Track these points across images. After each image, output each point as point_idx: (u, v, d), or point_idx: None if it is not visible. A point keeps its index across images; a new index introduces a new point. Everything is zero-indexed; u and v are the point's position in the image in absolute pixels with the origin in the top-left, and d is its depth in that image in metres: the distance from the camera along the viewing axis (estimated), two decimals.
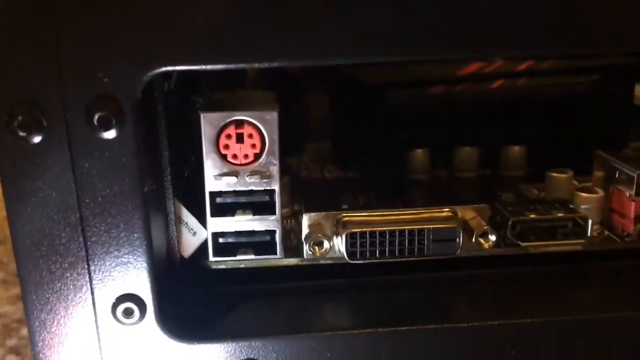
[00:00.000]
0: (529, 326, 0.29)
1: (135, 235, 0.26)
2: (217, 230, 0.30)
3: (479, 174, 0.41)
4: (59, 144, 0.24)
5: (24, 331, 0.42)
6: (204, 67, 0.24)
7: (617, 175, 0.33)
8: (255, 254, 0.31)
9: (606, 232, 0.33)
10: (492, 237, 0.30)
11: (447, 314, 0.30)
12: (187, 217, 0.30)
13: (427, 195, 0.39)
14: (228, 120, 0.28)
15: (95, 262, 0.26)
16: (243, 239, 0.31)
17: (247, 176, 0.29)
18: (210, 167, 0.29)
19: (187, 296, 0.30)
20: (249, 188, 0.29)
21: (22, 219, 0.25)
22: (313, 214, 0.31)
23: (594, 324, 0.29)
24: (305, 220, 0.31)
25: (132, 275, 0.26)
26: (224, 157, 0.29)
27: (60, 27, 0.23)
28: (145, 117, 0.26)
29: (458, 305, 0.31)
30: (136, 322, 0.27)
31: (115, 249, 0.26)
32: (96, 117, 0.24)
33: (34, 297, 0.26)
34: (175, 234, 0.30)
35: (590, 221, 0.31)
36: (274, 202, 0.30)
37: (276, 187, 0.30)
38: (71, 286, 0.26)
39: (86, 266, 0.26)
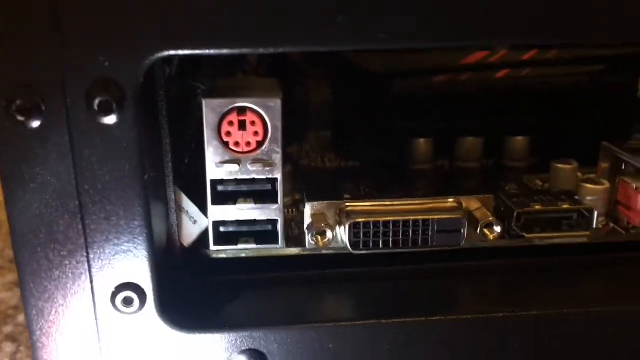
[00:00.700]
0: (533, 318, 0.28)
1: (136, 223, 0.25)
2: (218, 218, 0.29)
3: (482, 164, 0.41)
4: (58, 129, 0.23)
5: (21, 318, 0.42)
6: (207, 51, 0.23)
7: (623, 167, 0.32)
8: (257, 244, 0.30)
9: (611, 225, 0.33)
10: (497, 229, 0.30)
11: (451, 305, 0.30)
12: (188, 205, 0.30)
13: (430, 185, 0.38)
14: (230, 107, 0.28)
15: (95, 250, 0.25)
16: (244, 228, 0.30)
17: (249, 164, 0.29)
18: (212, 154, 0.28)
19: (187, 285, 0.30)
20: (251, 176, 0.29)
21: (20, 205, 0.24)
22: (316, 203, 0.30)
23: (598, 317, 0.29)
24: (308, 209, 0.30)
25: (132, 263, 0.26)
26: (225, 144, 0.28)
27: (59, 9, 0.22)
28: (146, 102, 0.25)
29: (462, 297, 0.31)
30: (136, 312, 0.26)
31: (115, 237, 0.25)
32: (97, 101, 0.23)
33: (32, 285, 0.26)
34: (176, 222, 0.29)
35: (596, 213, 0.31)
36: (276, 191, 0.29)
37: (279, 175, 0.29)
38: (70, 274, 0.25)
39: (85, 254, 0.25)
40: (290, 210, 0.34)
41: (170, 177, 0.29)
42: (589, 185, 0.33)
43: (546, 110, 0.41)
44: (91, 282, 0.26)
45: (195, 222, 0.30)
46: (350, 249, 0.29)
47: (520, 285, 0.31)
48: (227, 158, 0.29)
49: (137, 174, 0.24)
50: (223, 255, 0.31)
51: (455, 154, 0.40)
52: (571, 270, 0.32)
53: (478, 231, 0.30)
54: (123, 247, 0.25)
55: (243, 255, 0.31)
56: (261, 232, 0.30)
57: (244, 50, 0.24)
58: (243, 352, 0.27)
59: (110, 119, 0.24)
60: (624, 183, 0.32)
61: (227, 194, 0.29)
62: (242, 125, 0.28)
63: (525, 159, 0.40)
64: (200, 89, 0.31)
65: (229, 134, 0.28)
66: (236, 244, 0.30)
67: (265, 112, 0.28)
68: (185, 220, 0.30)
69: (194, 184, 0.30)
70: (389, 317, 0.28)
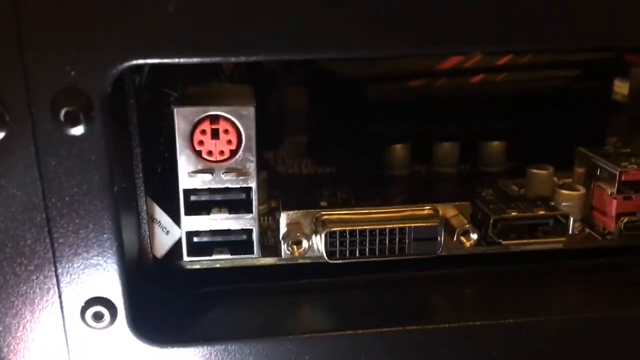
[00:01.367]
0: (511, 326, 0.28)
1: (105, 235, 0.24)
2: (192, 229, 0.29)
3: (459, 169, 0.41)
4: (23, 141, 0.23)
5: None
6: (177, 60, 0.23)
7: (598, 173, 0.32)
8: (232, 254, 0.30)
9: (587, 230, 0.33)
10: (474, 236, 0.29)
11: (428, 314, 0.29)
12: (160, 215, 0.29)
13: (406, 191, 0.38)
14: (203, 115, 0.27)
15: (63, 265, 0.25)
16: (218, 238, 0.30)
17: (223, 173, 0.28)
18: (184, 164, 0.28)
19: (160, 298, 0.29)
20: (225, 186, 0.28)
21: None
22: (291, 212, 0.30)
23: (575, 323, 0.29)
24: (284, 218, 0.30)
25: (102, 277, 0.25)
26: (198, 153, 0.28)
27: (22, 16, 0.22)
28: (115, 112, 0.24)
29: (439, 305, 0.30)
30: (106, 326, 0.26)
31: (84, 251, 0.25)
32: (63, 112, 0.22)
33: None
34: (148, 233, 0.29)
35: (571, 219, 0.31)
36: (251, 200, 0.29)
37: (253, 184, 0.29)
38: (37, 289, 0.25)
39: (53, 269, 0.25)
40: (265, 218, 0.34)
41: (141, 188, 0.28)
42: (564, 191, 0.33)
43: (521, 115, 0.41)
44: (60, 296, 0.25)
45: (168, 233, 0.29)
46: (327, 259, 0.29)
47: (497, 292, 0.31)
48: (200, 167, 0.28)
49: (106, 185, 0.24)
50: (197, 266, 0.30)
51: (432, 159, 0.40)
52: (547, 276, 0.32)
53: (455, 239, 0.30)
54: (92, 261, 0.25)
55: (217, 265, 0.30)
56: (236, 242, 0.30)
57: (214, 59, 0.23)
58: None
59: (77, 130, 0.23)
60: (599, 188, 0.32)
61: (200, 204, 0.29)
62: (214, 134, 0.28)
63: (501, 163, 0.40)
64: (172, 97, 0.30)
65: (201, 142, 0.28)
66: (210, 255, 0.29)
67: (238, 120, 0.28)
68: (158, 230, 0.29)
69: (166, 194, 0.30)
70: (366, 327, 0.28)
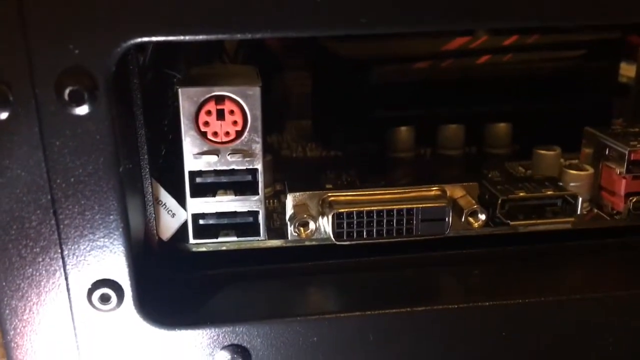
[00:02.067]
0: (519, 306, 0.28)
1: (111, 217, 0.24)
2: (197, 211, 0.29)
3: (464, 151, 0.40)
4: (27, 121, 0.22)
5: None
6: (182, 37, 0.23)
7: (607, 152, 0.32)
8: (238, 236, 0.29)
9: (595, 210, 0.33)
10: (482, 216, 0.29)
11: (436, 295, 0.29)
12: (166, 197, 0.29)
13: (412, 174, 0.38)
14: (208, 95, 0.27)
15: (69, 246, 0.24)
16: (224, 221, 0.29)
17: (229, 155, 0.28)
18: (190, 145, 0.28)
19: (166, 280, 0.29)
20: (231, 167, 0.28)
21: None
22: (297, 193, 0.30)
23: (583, 303, 0.29)
24: (290, 200, 0.30)
25: (109, 259, 0.25)
26: (203, 134, 0.28)
27: None
28: (119, 92, 0.24)
29: (447, 286, 0.30)
30: (113, 309, 0.25)
31: (90, 232, 0.24)
32: (67, 91, 0.22)
33: (4, 283, 0.25)
34: (153, 215, 0.28)
35: (580, 199, 0.30)
36: (257, 182, 0.29)
37: (259, 166, 0.28)
38: (44, 272, 0.25)
39: (59, 250, 0.24)
40: (271, 201, 0.33)
41: (146, 169, 0.28)
42: (572, 171, 0.32)
43: (526, 96, 0.41)
44: (66, 279, 0.25)
45: (173, 215, 0.29)
46: (334, 240, 0.29)
47: (505, 273, 0.31)
48: (205, 149, 0.28)
49: (111, 166, 0.23)
50: (203, 249, 0.30)
51: (437, 141, 0.40)
52: (556, 256, 0.32)
53: (463, 219, 0.29)
54: (98, 243, 0.24)
55: (223, 248, 0.30)
56: (242, 225, 0.29)
57: (220, 37, 0.23)
58: (226, 347, 0.27)
59: (82, 110, 0.23)
60: (608, 168, 0.32)
61: (206, 186, 0.29)
62: (220, 115, 0.27)
63: (507, 145, 0.40)
64: (176, 78, 0.30)
65: (206, 123, 0.27)
66: (216, 237, 0.29)
67: (244, 100, 0.27)
68: (163, 213, 0.29)
69: (171, 176, 0.29)
70: (373, 308, 0.28)
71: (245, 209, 0.29)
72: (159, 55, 0.28)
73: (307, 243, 0.30)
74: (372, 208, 0.29)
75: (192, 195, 0.28)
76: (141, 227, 0.28)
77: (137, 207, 0.27)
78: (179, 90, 0.27)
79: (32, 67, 0.22)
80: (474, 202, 0.30)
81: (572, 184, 0.32)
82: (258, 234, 0.29)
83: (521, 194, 0.31)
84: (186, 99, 0.27)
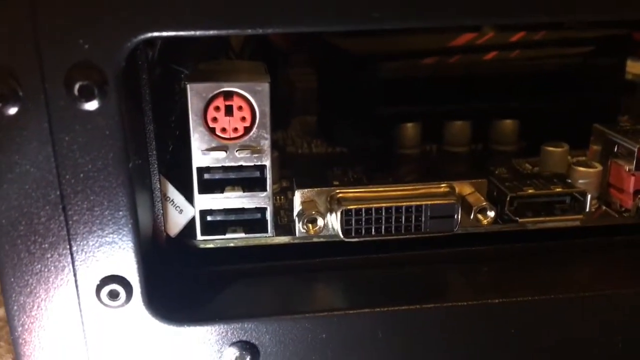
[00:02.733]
0: (527, 304, 0.28)
1: (120, 213, 0.24)
2: (205, 207, 0.29)
3: (470, 148, 0.40)
4: (36, 116, 0.22)
5: (0, 312, 0.40)
6: (192, 33, 0.22)
7: (616, 149, 0.32)
8: (245, 232, 0.29)
9: (604, 208, 0.33)
10: (491, 213, 0.29)
11: (445, 292, 0.29)
12: (173, 194, 0.29)
13: (418, 170, 0.38)
14: (216, 91, 0.27)
15: (78, 242, 0.24)
16: (232, 217, 0.29)
17: (237, 151, 0.28)
18: (198, 141, 0.27)
19: (175, 277, 0.29)
20: (239, 163, 0.28)
21: None
22: (305, 190, 0.30)
23: (592, 301, 0.29)
24: (298, 196, 0.29)
25: (117, 255, 0.25)
26: (212, 130, 0.27)
27: None
28: (129, 87, 0.24)
29: (456, 283, 0.30)
30: (122, 305, 0.25)
31: (99, 228, 0.24)
32: (77, 86, 0.22)
33: (12, 279, 0.24)
34: (162, 212, 0.28)
35: (589, 196, 0.30)
36: (265, 178, 0.28)
37: (267, 162, 0.28)
38: (52, 268, 0.24)
39: (68, 247, 0.24)
40: (278, 197, 0.33)
41: (154, 165, 0.28)
42: (581, 168, 0.32)
43: (532, 93, 0.41)
44: (75, 275, 0.25)
45: (181, 212, 0.29)
46: (342, 237, 0.29)
47: (513, 270, 0.30)
48: (213, 145, 0.28)
49: (121, 161, 0.23)
50: (211, 245, 0.30)
51: (443, 138, 0.40)
52: (564, 254, 0.31)
53: (472, 216, 0.29)
54: (107, 239, 0.24)
55: (231, 244, 0.30)
56: (250, 221, 0.29)
57: (232, 32, 0.23)
58: (234, 344, 0.26)
59: (92, 105, 0.22)
60: (617, 165, 0.32)
61: (214, 182, 0.29)
62: (228, 111, 0.27)
63: (514, 142, 0.40)
64: (184, 74, 0.30)
65: (215, 119, 0.27)
66: (224, 234, 0.29)
67: (252, 96, 0.27)
68: (171, 209, 0.29)
69: (178, 172, 0.29)
70: (382, 305, 0.28)
71: (253, 206, 0.29)
72: (167, 50, 0.28)
73: (314, 240, 0.30)
74: (381, 205, 0.28)
75: (200, 192, 0.28)
76: (149, 224, 0.28)
77: (146, 204, 0.27)
78: (188, 86, 0.27)
79: (41, 62, 0.22)
80: (482, 199, 0.30)
81: (580, 181, 0.32)
82: (266, 231, 0.29)
83: (530, 190, 0.31)
84: (195, 94, 0.27)
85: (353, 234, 0.29)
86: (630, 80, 0.43)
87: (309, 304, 0.28)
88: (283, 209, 0.32)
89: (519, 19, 0.25)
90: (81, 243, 0.24)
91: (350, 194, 0.29)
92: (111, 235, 0.24)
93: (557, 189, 0.31)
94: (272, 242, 0.30)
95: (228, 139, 0.28)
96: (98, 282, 0.25)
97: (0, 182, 0.23)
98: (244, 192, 0.29)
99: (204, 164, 0.28)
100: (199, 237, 0.29)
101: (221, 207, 0.29)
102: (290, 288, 0.29)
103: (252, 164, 0.28)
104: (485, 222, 0.29)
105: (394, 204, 0.29)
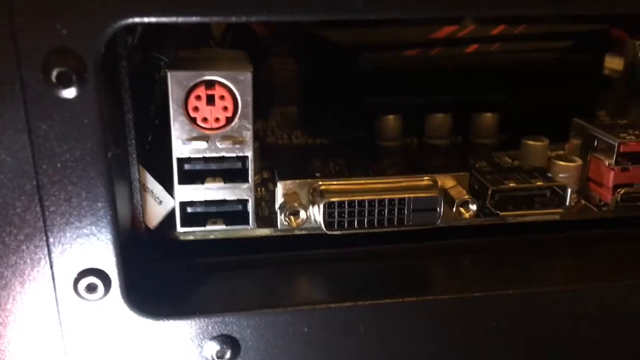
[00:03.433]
0: (508, 297, 0.28)
1: (99, 204, 0.23)
2: (186, 199, 0.28)
3: (451, 140, 0.40)
4: (12, 103, 0.22)
5: None
6: (173, 19, 0.22)
7: (595, 144, 0.32)
8: (226, 224, 0.29)
9: (583, 202, 0.33)
10: (473, 207, 0.29)
11: (427, 285, 0.29)
12: (153, 184, 0.28)
13: (400, 163, 0.38)
14: (198, 80, 0.26)
15: (55, 234, 0.24)
16: (213, 209, 0.29)
17: (218, 141, 0.27)
18: (178, 131, 0.27)
19: (154, 269, 0.28)
20: (220, 154, 0.28)
21: None
22: (288, 182, 0.29)
23: (572, 293, 0.29)
24: (280, 188, 0.29)
25: (95, 248, 0.24)
26: (193, 120, 0.27)
27: None
28: (108, 74, 0.23)
29: (437, 277, 0.30)
30: (100, 298, 0.25)
31: (76, 220, 0.24)
32: (54, 72, 0.21)
33: None
34: (140, 203, 0.28)
35: (569, 190, 0.31)
36: (247, 170, 0.28)
37: (249, 153, 0.28)
38: (28, 260, 0.24)
39: (44, 238, 0.24)
40: (259, 189, 0.33)
41: (133, 155, 0.27)
42: (561, 163, 0.33)
43: (512, 87, 0.41)
44: (51, 267, 0.24)
45: (160, 203, 0.29)
46: (325, 229, 0.28)
47: (494, 263, 0.31)
48: (194, 135, 0.27)
49: (99, 151, 0.23)
50: (191, 237, 0.29)
51: (424, 130, 0.40)
52: (545, 247, 0.32)
53: (454, 210, 0.29)
54: (85, 230, 0.24)
55: (212, 237, 0.29)
56: (231, 213, 0.29)
57: (214, 19, 0.22)
58: (215, 337, 0.26)
59: (70, 92, 0.22)
60: (596, 160, 0.32)
61: (194, 173, 0.28)
62: (210, 100, 0.27)
63: (493, 135, 0.40)
64: (164, 61, 0.29)
65: (196, 109, 0.27)
66: (204, 225, 0.29)
67: (235, 86, 0.27)
68: (150, 200, 0.28)
69: (158, 162, 0.29)
70: (364, 298, 0.27)
71: (234, 197, 0.28)
72: (147, 37, 0.28)
73: (296, 232, 0.30)
74: (364, 197, 0.28)
75: (180, 183, 0.28)
76: (128, 215, 0.27)
77: (124, 194, 0.26)
78: (169, 74, 0.26)
79: (17, 47, 0.21)
80: (465, 192, 0.30)
81: (560, 175, 0.32)
82: (247, 223, 0.29)
83: (511, 184, 0.31)
84: (175, 83, 0.26)
85: (336, 227, 0.28)
86: (607, 75, 0.43)
87: (291, 297, 0.28)
88: (264, 201, 0.32)
89: (506, 11, 0.25)
90: (58, 235, 0.24)
91: (333, 187, 0.29)
92: (89, 227, 0.24)
93: (538, 183, 0.31)
94: (254, 235, 0.30)
95: (209, 129, 0.27)
96: (75, 275, 0.24)
97: None
98: (225, 183, 0.28)
99: (184, 155, 0.27)
100: (179, 228, 0.28)
101: (202, 199, 0.28)
102: (271, 281, 0.29)
103: (233, 154, 0.28)
104: (467, 215, 0.29)
105: (377, 197, 0.28)
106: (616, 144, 0.31)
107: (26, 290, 0.24)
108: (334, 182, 0.29)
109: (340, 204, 0.28)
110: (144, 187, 0.28)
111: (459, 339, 0.28)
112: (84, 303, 0.25)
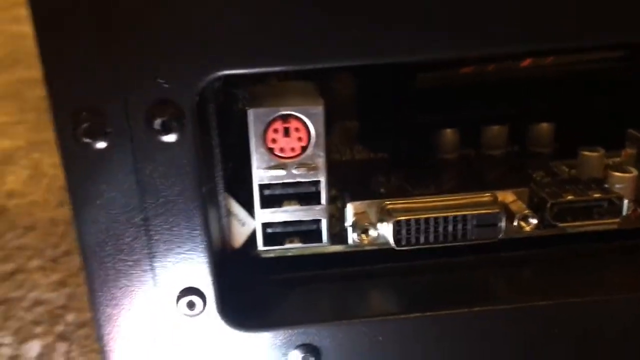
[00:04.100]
0: (568, 305, 0.30)
1: (196, 232, 0.27)
2: (266, 220, 0.31)
3: (507, 151, 0.42)
4: (122, 149, 0.25)
5: (69, 317, 0.43)
6: (259, 69, 0.25)
7: None
8: (302, 243, 0.32)
9: (639, 210, 0.34)
10: (533, 220, 0.31)
11: (491, 295, 0.31)
12: (237, 209, 0.31)
13: (460, 175, 0.40)
14: (275, 115, 0.29)
15: (159, 259, 0.27)
16: (290, 229, 0.32)
17: (294, 169, 0.30)
18: (258, 160, 0.30)
19: (240, 286, 0.31)
20: (296, 180, 0.30)
21: (88, 220, 0.26)
22: (358, 202, 0.32)
23: (630, 301, 0.30)
24: (350, 208, 0.32)
25: (194, 269, 0.27)
26: (271, 150, 0.30)
27: (120, 37, 0.24)
28: (200, 118, 0.26)
29: (501, 287, 0.32)
30: (198, 314, 0.28)
31: (177, 246, 0.27)
32: (157, 122, 0.24)
33: (100, 293, 0.27)
34: (227, 226, 0.31)
35: (626, 201, 0.32)
36: (320, 192, 0.31)
37: (322, 178, 0.30)
38: (136, 282, 0.27)
39: (150, 263, 0.27)
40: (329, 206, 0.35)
41: (220, 184, 0.30)
42: (617, 174, 0.34)
43: (568, 96, 0.42)
44: (156, 288, 0.27)
45: (243, 225, 0.32)
46: (394, 246, 0.31)
47: (554, 273, 0.32)
48: (272, 164, 0.30)
49: (196, 187, 0.26)
50: (271, 255, 0.32)
51: (481, 142, 0.42)
52: (603, 256, 0.33)
53: (514, 223, 0.31)
54: (185, 255, 0.27)
55: (290, 254, 0.32)
56: (306, 232, 0.32)
57: (292, 68, 0.25)
58: (298, 347, 0.29)
59: (170, 137, 0.25)
60: None
61: (273, 197, 0.31)
62: (286, 132, 0.29)
63: (550, 144, 0.41)
64: (242, 97, 0.32)
65: (274, 140, 0.29)
66: (283, 244, 0.32)
67: (308, 118, 0.29)
68: (235, 223, 0.31)
69: (239, 188, 0.32)
70: (432, 309, 0.30)
71: (309, 218, 0.31)
72: (227, 78, 0.31)
73: (367, 248, 0.32)
74: (430, 215, 0.31)
75: (261, 207, 0.31)
76: (218, 238, 0.30)
77: (215, 220, 0.29)
78: (249, 111, 0.29)
79: (126, 102, 0.24)
80: (524, 207, 0.31)
81: (617, 186, 0.34)
82: (321, 240, 0.32)
83: (569, 197, 0.32)
84: (255, 118, 0.29)
85: (404, 243, 0.31)
86: None
87: (364, 308, 0.31)
88: (334, 217, 0.35)
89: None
90: (162, 259, 0.27)
91: (400, 206, 0.31)
92: (188, 252, 0.27)
93: (595, 195, 0.32)
94: (328, 251, 0.32)
95: (286, 158, 0.30)
96: (177, 294, 0.27)
97: (90, 207, 0.26)
98: (300, 205, 0.31)
99: (264, 181, 0.30)
100: (260, 247, 0.31)
101: (280, 220, 0.31)
102: (345, 293, 0.31)
103: (308, 180, 0.30)
104: (527, 228, 0.31)
105: (442, 215, 0.31)
106: None
107: (134, 309, 0.28)
108: (400, 201, 0.32)
109: (408, 222, 0.31)
110: (229, 212, 0.31)
111: (522, 346, 0.30)
112: (185, 319, 0.28)
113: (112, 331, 0.28)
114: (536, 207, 0.33)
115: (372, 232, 0.31)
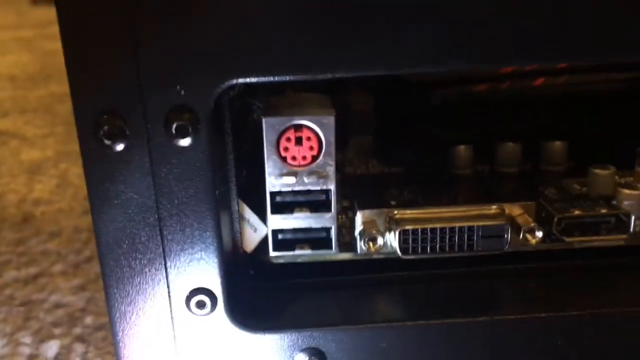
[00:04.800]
0: (572, 317, 0.30)
1: (208, 233, 0.28)
2: (277, 227, 0.32)
3: (520, 168, 0.42)
4: (140, 152, 0.26)
5: (88, 320, 0.45)
6: (272, 78, 0.26)
7: None
8: (312, 249, 0.33)
9: None
10: (539, 233, 0.31)
11: (496, 306, 0.32)
12: (249, 214, 0.32)
13: (471, 190, 0.40)
14: (288, 124, 0.30)
15: (172, 259, 0.28)
16: (300, 235, 0.32)
17: (305, 177, 0.31)
18: (271, 168, 0.31)
19: (250, 289, 0.32)
20: (307, 188, 0.31)
21: (105, 219, 0.27)
22: (366, 211, 0.33)
23: (636, 315, 0.31)
24: (359, 217, 0.33)
25: (204, 270, 0.28)
26: (283, 158, 0.31)
27: (141, 47, 0.25)
28: (215, 124, 0.28)
29: (506, 298, 0.32)
30: (208, 314, 0.29)
31: (189, 247, 0.28)
32: (174, 126, 0.26)
33: (116, 290, 0.28)
34: (239, 230, 0.32)
35: (633, 217, 0.32)
36: (330, 200, 0.32)
37: (332, 186, 0.31)
38: (149, 280, 0.28)
39: (163, 262, 0.28)
40: (339, 216, 0.36)
41: (234, 190, 0.31)
42: (626, 191, 0.34)
43: (581, 115, 0.42)
44: (168, 287, 0.28)
45: (255, 230, 0.33)
46: (400, 255, 0.31)
47: (560, 286, 0.33)
48: (284, 171, 0.31)
49: (209, 190, 0.27)
50: (281, 260, 0.33)
51: (494, 159, 0.42)
52: (609, 271, 0.33)
53: (520, 236, 0.32)
54: (196, 255, 0.28)
55: (299, 260, 0.33)
56: (316, 239, 0.33)
57: (305, 77, 0.26)
58: (304, 350, 0.30)
59: (186, 141, 0.26)
60: None
61: (284, 204, 0.32)
62: (298, 141, 0.31)
63: (563, 162, 0.42)
64: (257, 106, 0.33)
65: (286, 149, 0.31)
66: (293, 250, 0.32)
67: (320, 128, 0.30)
68: (247, 228, 0.32)
69: (252, 194, 0.33)
70: (437, 317, 0.30)
71: (319, 225, 0.32)
72: (245, 88, 0.32)
73: (374, 256, 0.33)
74: (436, 225, 0.31)
75: (273, 213, 0.32)
76: (230, 241, 0.31)
77: (227, 224, 0.30)
78: (263, 120, 0.30)
79: (145, 107, 0.26)
80: (530, 220, 0.32)
81: (625, 203, 0.34)
82: (330, 248, 0.32)
83: (576, 212, 0.33)
84: (269, 127, 0.30)
85: (410, 252, 0.31)
86: None
87: (370, 315, 0.31)
88: (345, 227, 0.36)
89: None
90: (174, 259, 0.28)
91: (407, 215, 0.32)
92: (200, 253, 0.28)
93: (603, 211, 0.33)
94: (336, 258, 0.33)
95: (297, 166, 0.31)
96: (188, 294, 0.29)
97: (108, 207, 0.27)
98: (311, 213, 0.32)
99: (276, 188, 0.31)
100: (271, 253, 0.32)
101: (291, 227, 0.32)
102: (352, 300, 0.32)
103: (318, 188, 0.31)
104: (533, 241, 0.32)
105: (448, 225, 0.31)
106: None
107: (147, 306, 0.29)
108: (408, 211, 0.32)
109: (414, 231, 0.31)
110: (241, 217, 0.32)
111: (525, 357, 0.30)
112: (194, 318, 0.29)
113: (125, 328, 0.29)
114: (544, 221, 0.33)
115: (380, 241, 0.32)
